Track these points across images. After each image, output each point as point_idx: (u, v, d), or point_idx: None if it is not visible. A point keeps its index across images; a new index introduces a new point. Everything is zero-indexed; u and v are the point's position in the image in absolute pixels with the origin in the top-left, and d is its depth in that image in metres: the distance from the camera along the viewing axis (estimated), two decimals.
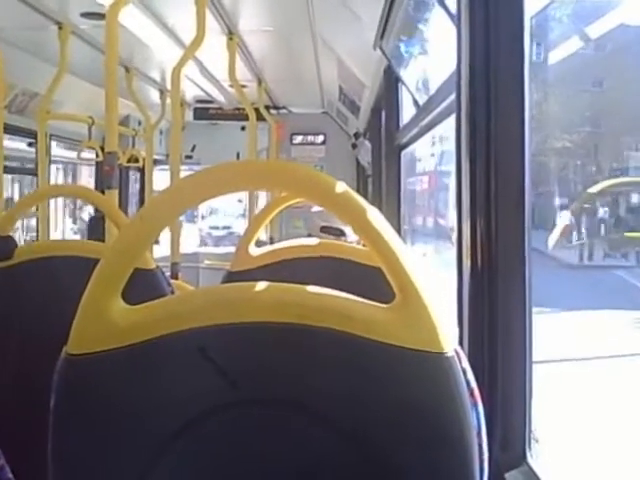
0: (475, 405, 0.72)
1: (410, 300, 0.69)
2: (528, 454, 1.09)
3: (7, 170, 3.34)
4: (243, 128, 5.31)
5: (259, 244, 1.63)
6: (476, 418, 0.72)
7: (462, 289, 1.19)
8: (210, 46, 2.77)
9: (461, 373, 0.70)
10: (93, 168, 5.18)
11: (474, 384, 0.72)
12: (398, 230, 2.90)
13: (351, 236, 2.43)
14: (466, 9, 1.13)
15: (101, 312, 0.69)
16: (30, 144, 4.20)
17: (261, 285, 0.72)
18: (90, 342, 0.69)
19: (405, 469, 0.69)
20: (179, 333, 0.69)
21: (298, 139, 6.01)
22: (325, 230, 2.99)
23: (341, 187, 0.71)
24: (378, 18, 2.34)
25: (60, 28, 3.13)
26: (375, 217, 0.71)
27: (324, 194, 0.72)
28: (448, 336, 0.70)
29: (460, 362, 0.71)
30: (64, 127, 4.19)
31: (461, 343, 1.18)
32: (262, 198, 4.98)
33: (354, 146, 5.40)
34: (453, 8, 1.30)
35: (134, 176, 5.59)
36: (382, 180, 3.16)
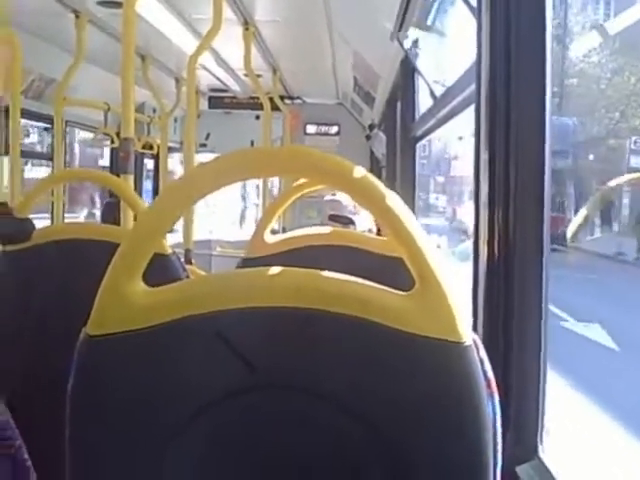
0: (491, 396, 0.72)
1: (430, 288, 0.69)
2: (540, 448, 1.09)
3: (24, 154, 3.37)
4: (257, 117, 5.31)
5: (273, 234, 1.64)
6: (492, 409, 0.72)
7: (478, 279, 1.19)
8: (226, 36, 2.77)
9: (479, 363, 0.70)
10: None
11: (491, 375, 0.73)
12: None
13: (359, 225, 2.43)
14: (487, 1, 1.13)
15: (122, 294, 0.70)
16: (46, 129, 4.24)
17: (279, 270, 0.73)
18: (110, 323, 0.70)
19: (421, 456, 0.70)
20: (198, 316, 0.70)
21: (312, 129, 6.00)
22: (333, 219, 3.00)
23: (360, 172, 0.71)
24: (395, 9, 2.32)
25: (77, 16, 3.14)
26: (396, 203, 0.71)
27: (344, 179, 0.71)
28: (467, 326, 0.71)
29: (478, 352, 0.71)
30: (80, 113, 4.21)
31: (475, 333, 1.18)
32: (275, 188, 4.99)
33: (368, 137, 5.38)
34: (474, 1, 1.29)
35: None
36: (397, 172, 3.15)
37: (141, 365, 0.71)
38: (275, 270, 0.72)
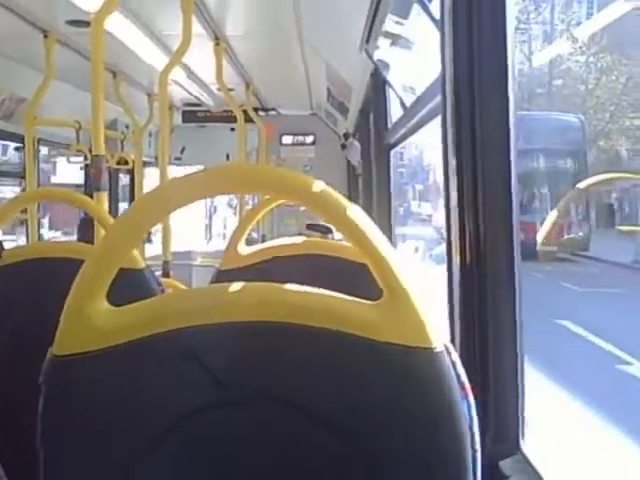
0: (466, 397, 0.74)
1: (397, 296, 0.70)
2: (521, 442, 1.11)
3: None
4: (232, 129, 5.31)
5: (251, 242, 1.65)
6: (467, 410, 0.74)
7: (452, 285, 1.21)
8: (197, 51, 2.78)
9: (451, 367, 0.72)
10: None
11: (464, 377, 0.74)
12: (389, 226, 2.92)
13: (337, 233, 2.45)
14: (449, 13, 1.16)
15: (85, 314, 0.70)
16: (17, 149, 4.20)
17: (246, 284, 0.73)
18: (74, 343, 0.70)
19: (397, 463, 0.70)
20: (164, 334, 0.70)
21: (288, 140, 6.01)
22: (311, 227, 3.02)
23: (319, 186, 0.72)
24: (362, 22, 2.36)
25: (46, 36, 3.13)
26: (357, 215, 0.72)
27: (304, 194, 0.72)
28: (436, 331, 0.72)
29: (450, 356, 0.73)
30: (52, 131, 4.18)
31: (453, 337, 1.20)
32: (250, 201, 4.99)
33: (344, 146, 5.41)
34: (437, 13, 1.33)
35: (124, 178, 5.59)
36: (372, 179, 3.18)
37: (107, 384, 0.70)
38: (240, 285, 0.73)
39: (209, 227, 10.89)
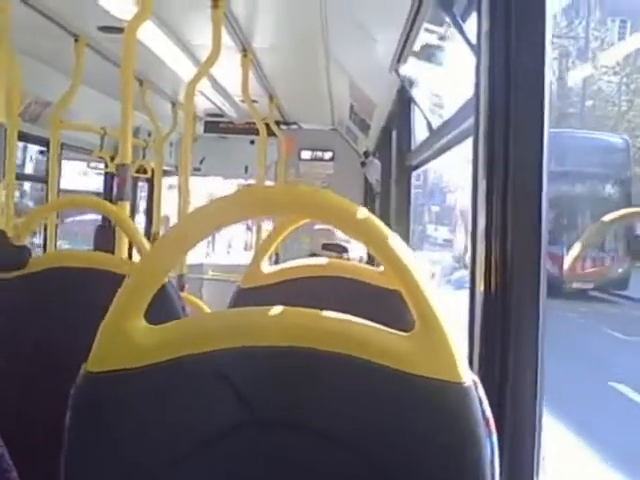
0: (490, 435, 0.72)
1: (430, 329, 0.70)
2: None
3: (19, 177, 3.37)
4: (252, 142, 5.34)
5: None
6: (490, 448, 0.72)
7: (474, 314, 1.19)
8: (224, 62, 2.80)
9: (478, 403, 0.70)
10: None
11: (489, 414, 0.73)
12: None
13: (352, 253, 2.44)
14: (486, 38, 1.15)
15: (124, 332, 0.70)
16: (42, 152, 4.24)
17: (277, 309, 0.73)
18: (111, 360, 0.70)
19: None
20: (198, 355, 0.70)
21: (306, 155, 6.03)
22: (327, 247, 3.01)
23: (362, 212, 0.72)
24: (393, 40, 2.36)
25: (76, 40, 3.16)
26: (397, 243, 0.72)
27: (346, 219, 0.72)
28: (466, 366, 0.70)
29: (477, 391, 0.71)
30: (75, 136, 4.22)
31: (471, 368, 1.17)
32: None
33: (363, 164, 5.42)
34: (472, 36, 1.31)
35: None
36: (391, 200, 3.17)
37: (140, 403, 0.70)
38: (273, 309, 0.73)
39: (212, 242, 10.99)
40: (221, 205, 0.74)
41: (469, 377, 0.70)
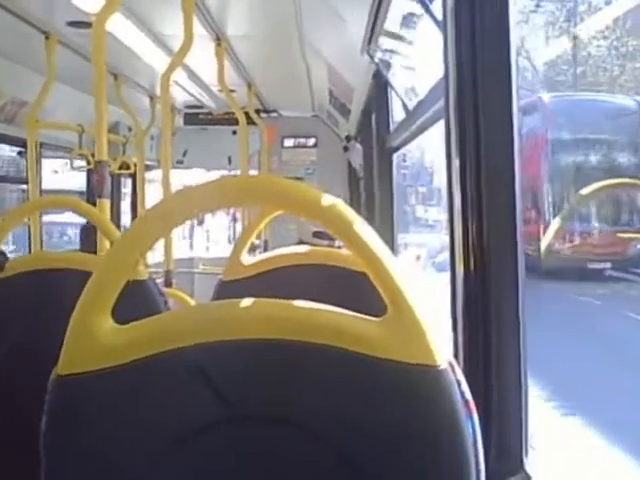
0: (470, 415, 0.72)
1: (402, 313, 0.69)
2: (525, 461, 1.09)
3: None
4: (234, 132, 5.30)
5: (253, 248, 1.63)
6: (472, 428, 0.72)
7: (456, 295, 1.19)
8: (198, 52, 2.76)
9: (455, 385, 0.70)
10: None
11: (469, 395, 0.72)
12: (392, 231, 2.90)
13: None
14: (452, 15, 1.13)
15: (90, 332, 0.69)
16: (20, 153, 4.19)
17: (251, 301, 0.72)
18: (80, 362, 0.69)
19: None
20: (169, 352, 0.69)
21: (289, 142, 6.00)
22: (318, 235, 3.00)
23: (328, 200, 0.71)
24: (364, 23, 2.33)
25: (47, 37, 3.11)
26: (363, 229, 0.71)
27: (311, 207, 0.72)
28: (441, 349, 0.70)
29: (455, 374, 0.71)
30: (54, 135, 4.17)
31: (456, 350, 1.18)
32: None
33: (346, 149, 5.39)
34: (439, 14, 1.30)
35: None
36: (375, 183, 3.16)
37: (113, 403, 0.69)
38: (248, 301, 0.72)
39: (191, 236, 10.96)
40: (186, 197, 0.72)
41: (444, 359, 0.70)
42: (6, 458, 1.23)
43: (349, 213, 0.71)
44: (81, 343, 0.69)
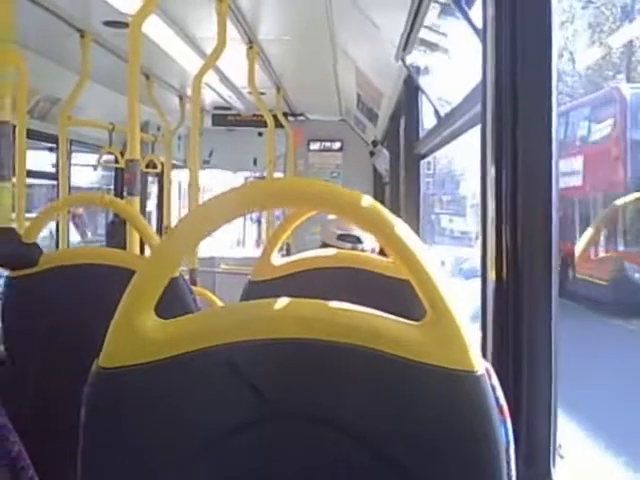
0: (504, 422, 0.72)
1: (442, 318, 0.69)
2: (553, 471, 1.08)
3: (29, 174, 3.38)
4: (260, 134, 5.33)
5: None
6: (504, 435, 0.72)
7: (486, 302, 1.18)
8: (230, 55, 2.79)
9: (491, 391, 0.70)
10: None
11: (503, 401, 0.72)
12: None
13: (368, 243, 2.44)
14: (492, 23, 1.13)
15: (135, 326, 0.70)
16: (51, 149, 4.25)
17: (288, 301, 0.73)
18: (123, 356, 0.70)
19: None
20: (210, 348, 0.70)
21: (315, 146, 6.01)
22: (342, 238, 3.00)
23: (368, 201, 0.72)
24: (399, 29, 2.34)
25: (82, 36, 3.16)
26: (404, 231, 0.71)
27: (353, 209, 0.72)
28: (478, 354, 0.70)
29: (490, 379, 0.71)
30: (85, 132, 4.23)
31: (484, 356, 1.17)
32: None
33: (372, 154, 5.40)
34: (478, 22, 1.30)
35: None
36: (400, 188, 3.15)
37: (154, 397, 0.70)
38: (284, 301, 0.72)
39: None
40: (227, 198, 0.73)
41: (481, 365, 0.70)
42: (45, 451, 1.25)
43: (389, 215, 0.72)
44: (125, 337, 0.70)
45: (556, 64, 1.09)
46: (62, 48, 3.34)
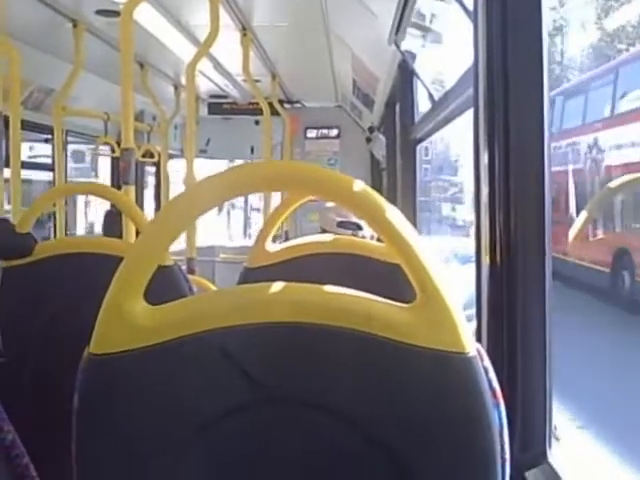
0: (497, 405, 0.72)
1: (432, 300, 0.69)
2: (549, 453, 1.08)
3: (24, 165, 3.37)
4: (257, 122, 5.31)
5: (274, 238, 1.63)
6: (498, 418, 0.72)
7: (480, 286, 1.18)
8: (224, 42, 2.77)
9: (483, 373, 0.70)
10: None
11: (496, 384, 0.72)
12: (414, 223, 2.89)
13: (367, 230, 2.44)
14: (483, 3, 1.12)
15: (123, 312, 0.70)
16: (46, 140, 4.24)
17: (281, 285, 0.72)
18: (113, 342, 0.70)
19: (425, 469, 0.69)
20: (201, 333, 0.70)
21: (312, 133, 5.99)
22: (342, 225, 3.00)
23: (359, 186, 0.71)
24: (392, 13, 2.32)
25: (75, 26, 3.14)
26: (395, 216, 0.71)
27: (343, 193, 0.72)
28: (470, 335, 0.70)
29: (482, 361, 0.71)
30: (80, 123, 4.22)
31: (479, 340, 1.17)
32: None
33: (368, 140, 5.38)
34: (469, 3, 1.29)
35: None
36: (397, 174, 3.15)
37: (144, 383, 0.70)
38: (277, 286, 0.72)
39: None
40: (217, 181, 0.73)
41: (473, 347, 0.70)
42: (41, 438, 1.25)
43: (380, 199, 0.71)
44: (114, 323, 0.70)
45: (547, 46, 1.09)
46: (55, 38, 3.32)
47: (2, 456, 0.78)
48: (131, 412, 0.70)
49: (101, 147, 4.66)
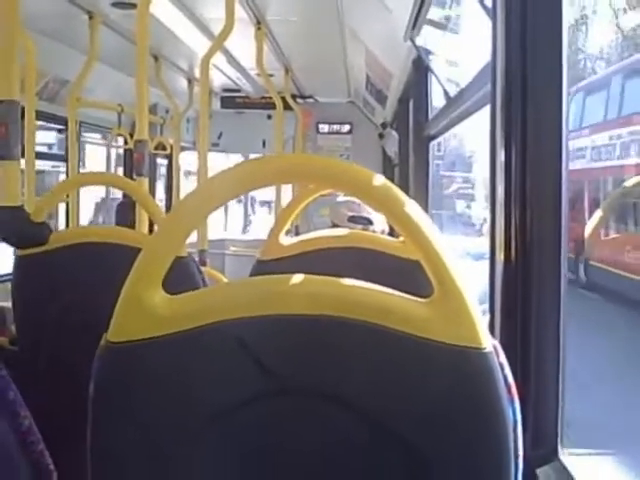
0: (512, 401, 0.72)
1: (450, 295, 0.69)
2: (560, 450, 1.08)
3: (38, 156, 3.39)
4: (269, 117, 5.31)
5: (285, 232, 1.64)
6: (512, 414, 0.72)
7: (494, 283, 1.18)
8: (238, 36, 2.77)
9: (499, 369, 0.70)
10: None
11: (511, 380, 0.72)
12: None
13: (378, 225, 2.44)
14: (502, 0, 1.12)
15: (142, 301, 0.70)
16: (60, 131, 4.26)
17: (298, 277, 0.73)
18: (131, 330, 0.71)
19: (440, 463, 0.69)
20: (218, 323, 0.70)
21: (324, 128, 5.98)
22: (353, 220, 2.99)
23: (379, 180, 0.71)
24: (407, 8, 2.31)
25: (91, 17, 3.15)
26: (414, 210, 0.71)
27: (362, 187, 0.72)
28: (486, 331, 0.70)
29: (498, 357, 0.71)
30: (93, 114, 4.23)
31: (492, 336, 1.17)
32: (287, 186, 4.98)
33: (381, 136, 5.37)
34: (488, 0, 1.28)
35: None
36: (409, 170, 3.14)
37: (161, 372, 0.71)
38: (295, 277, 0.72)
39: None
40: (234, 174, 0.73)
41: (489, 343, 0.70)
42: (56, 425, 1.27)
43: (400, 193, 0.71)
44: (133, 312, 0.71)
45: (567, 44, 1.08)
46: (71, 30, 3.33)
47: (19, 442, 0.79)
48: (148, 400, 0.71)
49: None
